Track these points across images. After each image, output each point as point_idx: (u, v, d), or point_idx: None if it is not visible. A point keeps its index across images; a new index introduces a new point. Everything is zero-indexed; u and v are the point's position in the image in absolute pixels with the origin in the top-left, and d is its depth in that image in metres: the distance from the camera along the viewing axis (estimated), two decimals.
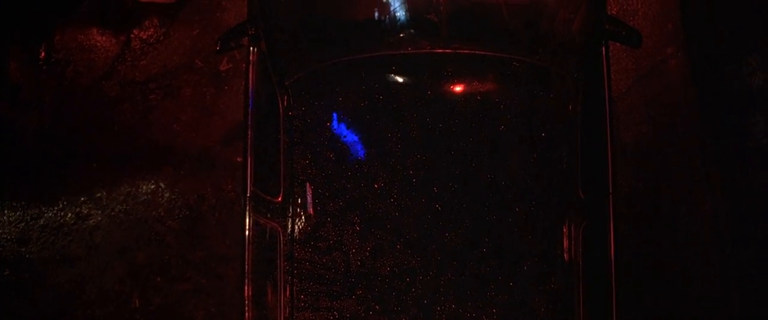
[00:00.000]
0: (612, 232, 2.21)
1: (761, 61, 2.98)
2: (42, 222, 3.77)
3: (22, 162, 3.91)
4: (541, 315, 2.27)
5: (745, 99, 3.09)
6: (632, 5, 3.61)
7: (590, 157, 2.34)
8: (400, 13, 2.36)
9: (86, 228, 3.72)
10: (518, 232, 2.28)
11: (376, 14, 2.38)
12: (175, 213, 3.65)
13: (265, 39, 2.50)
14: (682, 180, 3.38)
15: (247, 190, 2.32)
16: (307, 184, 2.37)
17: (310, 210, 2.36)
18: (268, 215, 2.34)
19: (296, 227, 2.36)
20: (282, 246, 2.34)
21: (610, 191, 2.25)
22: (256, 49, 2.49)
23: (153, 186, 3.71)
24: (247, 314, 2.24)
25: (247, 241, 2.28)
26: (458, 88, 2.39)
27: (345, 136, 2.36)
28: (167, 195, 3.69)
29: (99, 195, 3.75)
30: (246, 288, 2.25)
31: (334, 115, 2.38)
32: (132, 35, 3.99)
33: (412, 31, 2.38)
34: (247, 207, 2.30)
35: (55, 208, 3.78)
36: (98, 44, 4.02)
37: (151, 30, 3.98)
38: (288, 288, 2.33)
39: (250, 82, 2.45)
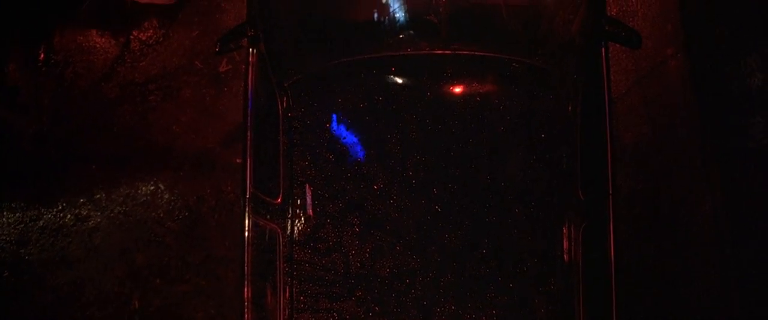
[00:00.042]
0: (612, 233, 2.21)
1: (761, 62, 2.98)
2: (41, 224, 3.77)
3: (21, 164, 3.91)
4: (541, 316, 2.26)
5: (745, 99, 3.09)
6: (632, 6, 3.61)
7: (590, 158, 2.34)
8: (400, 14, 2.36)
9: (85, 230, 3.71)
10: (518, 233, 2.28)
11: (376, 15, 2.38)
12: (175, 215, 3.65)
13: (265, 40, 2.50)
14: (682, 181, 3.38)
15: (246, 192, 2.31)
16: (307, 186, 2.36)
17: (310, 212, 2.36)
18: (268, 216, 2.34)
19: (296, 228, 2.36)
20: (281, 247, 2.34)
21: (610, 192, 2.25)
22: (255, 51, 2.49)
23: (152, 188, 3.71)
24: (246, 315, 2.24)
25: (246, 243, 2.28)
26: (458, 89, 2.39)
27: (344, 138, 2.36)
28: (167, 196, 3.68)
29: (98, 196, 3.75)
30: (246, 289, 2.25)
31: (334, 116, 2.38)
32: (131, 37, 3.99)
33: (411, 32, 2.38)
34: (247, 209, 2.30)
35: (55, 210, 3.77)
36: (97, 46, 4.02)
37: (151, 31, 3.98)
38: (287, 290, 2.32)
39: (250, 83, 2.45)
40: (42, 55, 4.05)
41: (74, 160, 3.84)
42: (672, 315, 3.25)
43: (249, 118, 2.40)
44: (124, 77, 3.93)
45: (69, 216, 3.75)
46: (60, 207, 3.77)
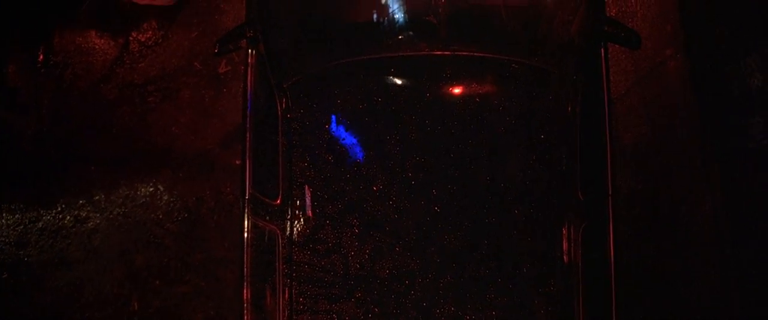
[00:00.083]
0: (611, 233, 2.21)
1: (760, 62, 2.98)
2: (40, 225, 3.76)
3: (20, 165, 3.90)
4: (540, 317, 2.26)
5: (744, 100, 3.09)
6: (631, 7, 3.61)
7: (589, 159, 2.34)
8: (399, 15, 2.36)
9: (85, 231, 3.71)
10: (517, 234, 2.28)
11: (375, 16, 2.38)
12: (174, 216, 3.65)
13: (264, 41, 2.50)
14: (682, 181, 3.37)
15: (245, 193, 2.31)
16: (306, 187, 2.36)
17: (309, 213, 2.35)
18: (267, 218, 2.34)
19: (295, 229, 2.36)
20: (281, 248, 2.33)
21: (610, 192, 2.25)
22: (254, 52, 2.49)
23: (152, 189, 3.71)
24: (246, 316, 2.24)
25: (245, 244, 2.28)
26: (457, 90, 2.38)
27: (344, 139, 2.35)
28: (166, 197, 3.68)
29: (97, 198, 3.75)
30: (245, 290, 2.25)
31: (333, 117, 2.38)
32: (130, 38, 3.99)
33: (410, 33, 2.38)
34: (246, 210, 2.30)
35: (54, 211, 3.77)
36: (97, 47, 4.02)
37: (150, 32, 3.98)
38: (287, 291, 2.32)
39: (249, 84, 2.45)
40: (41, 56, 4.05)
41: (73, 161, 3.84)
42: (672, 315, 3.25)
43: (248, 119, 2.40)
44: (123, 78, 3.93)
45: (68, 217, 3.75)
46: (59, 209, 3.77)
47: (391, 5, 2.36)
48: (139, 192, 3.72)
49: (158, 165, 3.74)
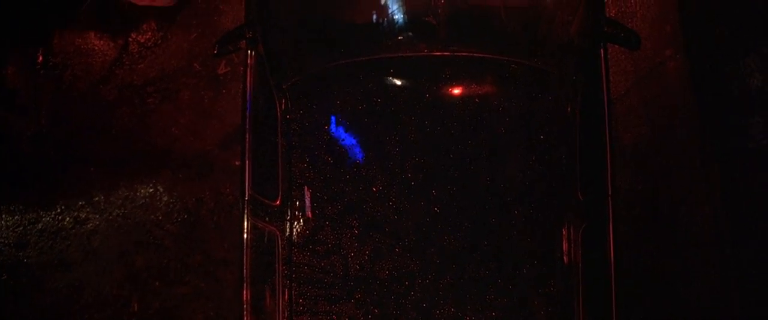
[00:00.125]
0: (611, 234, 2.21)
1: (760, 62, 2.98)
2: (40, 227, 3.76)
3: (19, 167, 3.90)
4: (540, 318, 2.26)
5: (744, 100, 3.09)
6: (631, 7, 3.61)
7: (589, 159, 2.34)
8: (398, 16, 2.36)
9: (84, 233, 3.71)
10: (517, 235, 2.28)
11: (374, 17, 2.38)
12: (174, 217, 3.65)
13: (263, 42, 2.50)
14: (682, 181, 3.37)
15: (245, 194, 2.31)
16: (306, 188, 2.36)
17: (309, 214, 2.35)
18: (267, 218, 2.33)
19: (294, 230, 2.35)
20: (280, 249, 2.33)
21: (609, 193, 2.25)
22: (253, 53, 2.49)
23: (151, 190, 3.71)
24: (245, 318, 2.24)
25: (245, 245, 2.28)
26: (456, 91, 2.38)
27: (343, 139, 2.35)
28: (165, 198, 3.68)
29: (97, 199, 3.75)
30: (245, 291, 2.25)
31: (332, 118, 2.37)
32: (130, 39, 3.99)
33: (410, 33, 2.38)
34: (246, 211, 2.30)
35: (53, 213, 3.77)
36: (96, 48, 4.02)
37: (149, 33, 3.98)
38: (287, 292, 2.32)
39: (248, 85, 2.45)
40: (41, 58, 4.04)
41: (73, 162, 3.84)
42: (672, 315, 3.25)
43: (247, 120, 2.40)
44: (122, 79, 3.92)
45: (68, 218, 3.74)
46: (59, 210, 3.77)
47: (390, 6, 2.36)
48: (138, 194, 3.71)
49: (158, 166, 3.74)
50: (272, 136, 2.42)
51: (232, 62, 3.80)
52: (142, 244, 3.63)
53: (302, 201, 2.36)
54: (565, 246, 2.31)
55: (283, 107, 2.44)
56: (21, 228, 3.78)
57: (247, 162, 2.35)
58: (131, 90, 3.89)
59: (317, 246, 2.32)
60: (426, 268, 2.25)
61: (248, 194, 2.30)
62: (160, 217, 3.65)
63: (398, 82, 2.39)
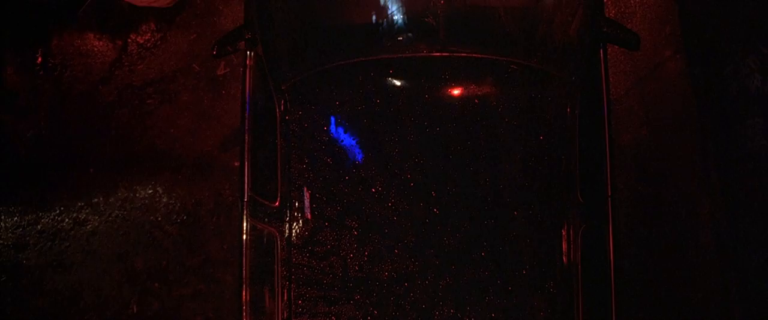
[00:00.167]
0: (611, 235, 2.21)
1: (760, 63, 2.98)
2: (39, 228, 3.76)
3: (19, 168, 3.90)
4: (540, 319, 2.25)
5: (744, 101, 3.09)
6: (630, 8, 3.61)
7: (589, 160, 2.34)
8: (398, 17, 2.36)
9: (84, 234, 3.71)
10: (517, 236, 2.27)
11: (373, 18, 2.37)
12: (173, 218, 3.64)
13: (262, 43, 2.49)
14: (682, 182, 3.37)
15: (244, 195, 2.31)
16: (305, 189, 2.35)
17: (308, 215, 2.35)
18: (266, 220, 2.33)
19: (294, 232, 2.35)
20: (280, 250, 2.33)
21: (609, 194, 2.25)
22: (252, 53, 2.49)
23: (150, 191, 3.70)
24: (245, 319, 2.24)
25: (244, 246, 2.28)
26: (456, 92, 2.38)
27: (342, 140, 2.35)
28: (165, 200, 3.68)
29: (96, 200, 3.74)
30: (244, 292, 2.25)
31: (332, 118, 2.37)
32: (129, 40, 3.99)
33: (409, 34, 2.37)
34: (245, 212, 2.30)
35: (53, 214, 3.77)
36: (95, 49, 4.02)
37: (148, 34, 3.97)
38: (286, 293, 2.31)
39: (247, 86, 2.45)
40: (40, 59, 4.04)
41: (72, 164, 3.84)
42: (671, 316, 3.25)
43: (247, 121, 2.40)
44: (121, 81, 3.92)
45: (67, 220, 3.74)
46: (58, 211, 3.77)
47: (389, 7, 2.35)
48: (137, 195, 3.71)
49: (157, 167, 3.74)
50: (271, 137, 2.42)
51: (232, 63, 3.80)
52: (142, 245, 3.63)
53: (301, 202, 2.35)
54: (564, 247, 2.30)
55: (282, 108, 2.44)
56: (20, 229, 3.78)
57: (246, 163, 2.35)
58: (130, 91, 3.89)
59: (316, 247, 2.31)
60: (425, 269, 2.25)
61: (247, 195, 2.30)
62: (160, 218, 3.65)
63: (398, 83, 2.38)
